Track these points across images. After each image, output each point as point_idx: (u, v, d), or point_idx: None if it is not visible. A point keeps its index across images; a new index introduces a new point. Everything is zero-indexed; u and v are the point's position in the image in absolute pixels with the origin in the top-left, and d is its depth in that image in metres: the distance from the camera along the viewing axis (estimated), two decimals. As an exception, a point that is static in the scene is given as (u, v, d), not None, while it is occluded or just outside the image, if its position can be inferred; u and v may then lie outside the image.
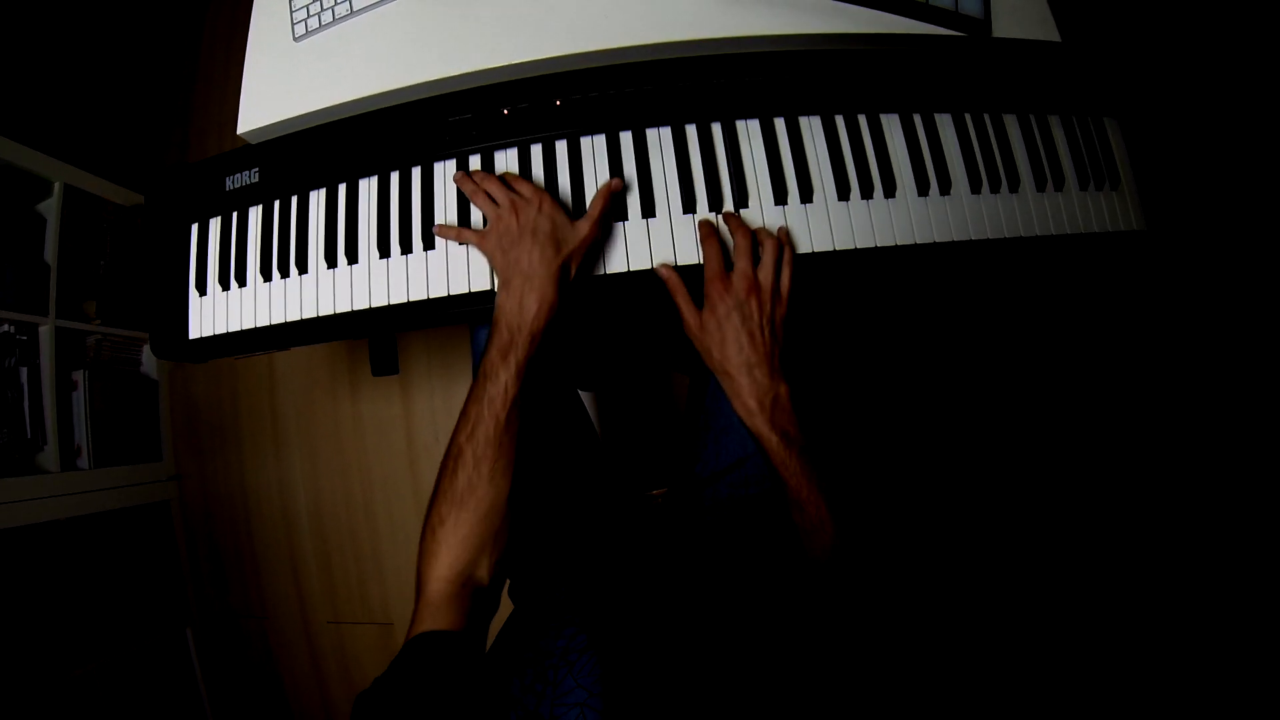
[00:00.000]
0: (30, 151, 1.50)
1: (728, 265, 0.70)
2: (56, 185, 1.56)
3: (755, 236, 0.72)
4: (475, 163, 0.78)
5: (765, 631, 0.62)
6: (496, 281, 0.70)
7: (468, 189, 0.73)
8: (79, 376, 1.61)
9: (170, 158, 1.93)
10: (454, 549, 0.59)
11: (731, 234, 0.72)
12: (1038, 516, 1.41)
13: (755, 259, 0.70)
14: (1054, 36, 0.85)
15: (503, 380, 0.62)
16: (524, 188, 0.71)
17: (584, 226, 0.70)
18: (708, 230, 0.72)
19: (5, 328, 1.44)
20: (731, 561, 0.71)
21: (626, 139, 0.77)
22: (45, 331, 1.52)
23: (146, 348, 1.84)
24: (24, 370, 1.48)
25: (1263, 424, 1.33)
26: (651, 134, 0.77)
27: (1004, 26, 0.84)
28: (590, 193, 0.76)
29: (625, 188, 0.75)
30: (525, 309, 0.65)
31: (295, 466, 1.77)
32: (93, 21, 1.81)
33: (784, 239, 0.73)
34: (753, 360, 0.66)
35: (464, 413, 0.63)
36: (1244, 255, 1.35)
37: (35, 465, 1.50)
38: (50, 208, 1.56)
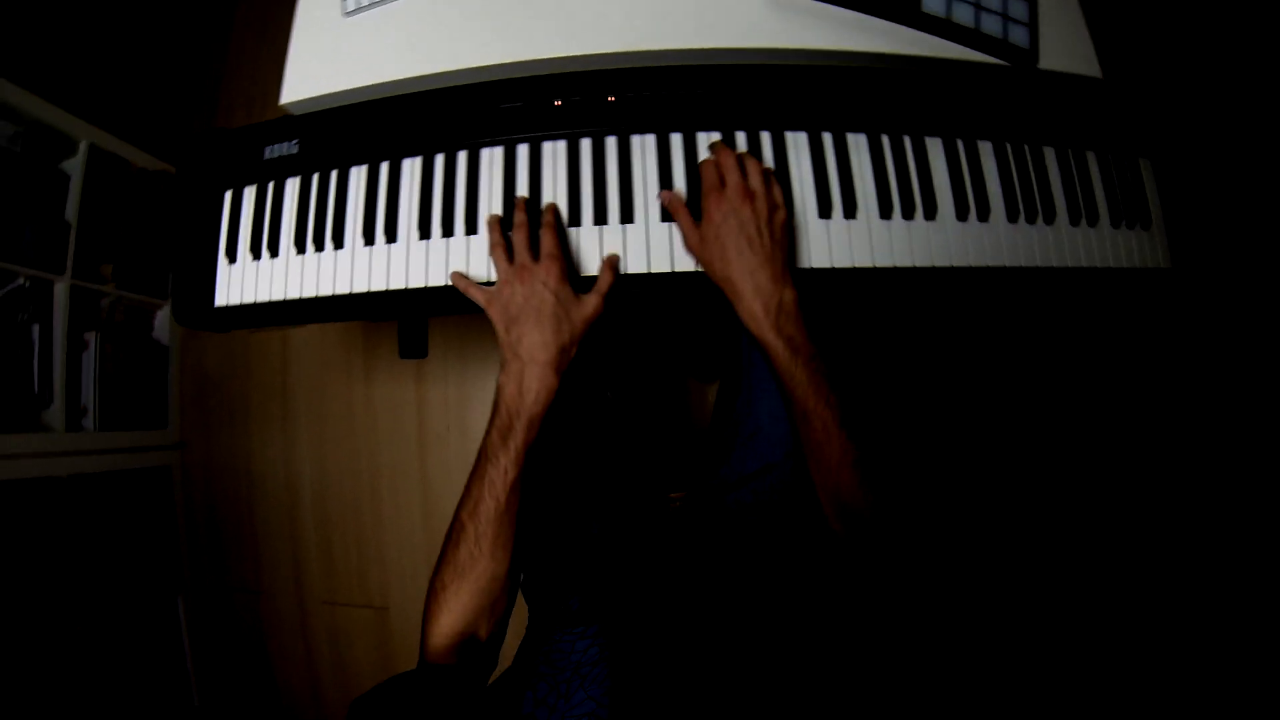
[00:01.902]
0: (58, 110, 1.50)
1: None
2: (82, 145, 1.56)
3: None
4: (523, 152, 0.78)
5: (779, 639, 0.62)
6: (499, 349, 0.70)
7: (491, 238, 0.73)
8: (90, 337, 1.60)
9: (196, 126, 1.92)
10: (454, 613, 0.62)
11: (718, 155, 0.72)
12: (1051, 527, 1.44)
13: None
14: (1096, 72, 0.86)
15: (503, 464, 0.64)
16: (545, 242, 0.71)
17: (590, 303, 0.70)
18: (702, 159, 0.74)
19: (20, 282, 1.43)
20: (751, 566, 0.71)
21: (676, 140, 0.77)
22: (60, 289, 1.51)
23: (160, 313, 1.84)
24: (36, 327, 1.47)
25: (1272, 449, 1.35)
26: (702, 138, 0.78)
27: (1049, 59, 0.84)
28: (641, 194, 0.76)
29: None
30: (524, 394, 0.66)
31: (302, 444, 1.76)
32: (128, -16, 1.81)
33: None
34: (754, 264, 0.66)
35: (467, 490, 0.66)
36: (1267, 298, 1.37)
37: (40, 422, 1.49)
38: (74, 166, 1.55)
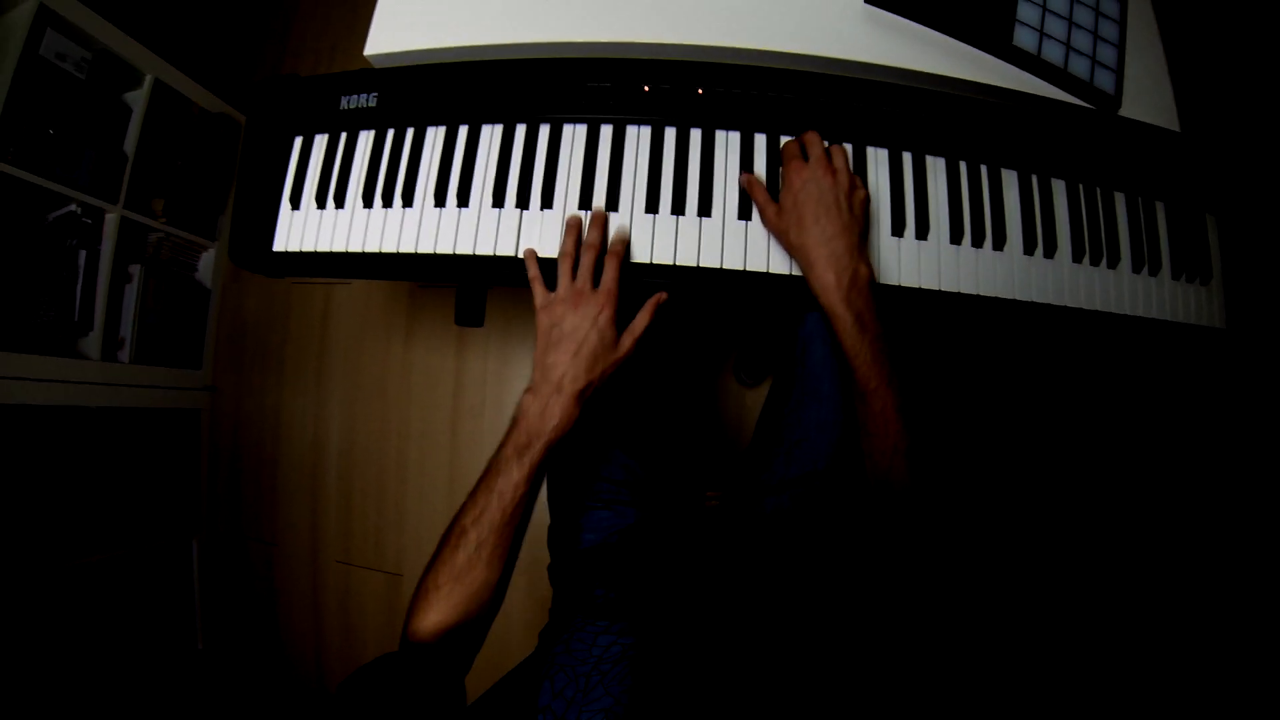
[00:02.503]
0: (129, 39, 1.51)
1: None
2: (148, 78, 1.57)
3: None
4: (606, 133, 0.79)
5: (807, 648, 0.62)
6: (534, 361, 0.72)
7: (565, 245, 0.73)
8: (135, 270, 1.62)
9: (261, 72, 1.92)
10: (443, 613, 0.62)
11: (802, 136, 0.73)
12: (1079, 547, 1.44)
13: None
14: (1175, 125, 0.87)
15: (514, 478, 0.65)
16: (608, 273, 0.71)
17: (625, 344, 0.71)
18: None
19: (73, 207, 1.45)
20: (784, 573, 0.71)
21: (760, 141, 0.78)
22: (111, 220, 1.53)
23: (205, 254, 1.85)
24: (83, 254, 1.49)
25: None
26: (785, 141, 0.78)
27: (1130, 107, 0.85)
28: (720, 188, 0.77)
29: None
30: (547, 419, 0.67)
31: (333, 402, 1.76)
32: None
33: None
34: (830, 232, 0.67)
35: (473, 496, 0.66)
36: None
37: (77, 349, 1.51)
38: (138, 99, 1.57)
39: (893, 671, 0.62)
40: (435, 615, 0.62)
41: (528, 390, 0.69)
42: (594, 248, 0.72)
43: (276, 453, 1.79)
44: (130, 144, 1.55)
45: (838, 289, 0.65)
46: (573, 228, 0.74)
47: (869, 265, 0.67)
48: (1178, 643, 1.38)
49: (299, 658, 1.73)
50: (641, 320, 0.72)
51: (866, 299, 0.66)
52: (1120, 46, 0.85)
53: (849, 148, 0.78)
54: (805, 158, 0.71)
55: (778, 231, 0.71)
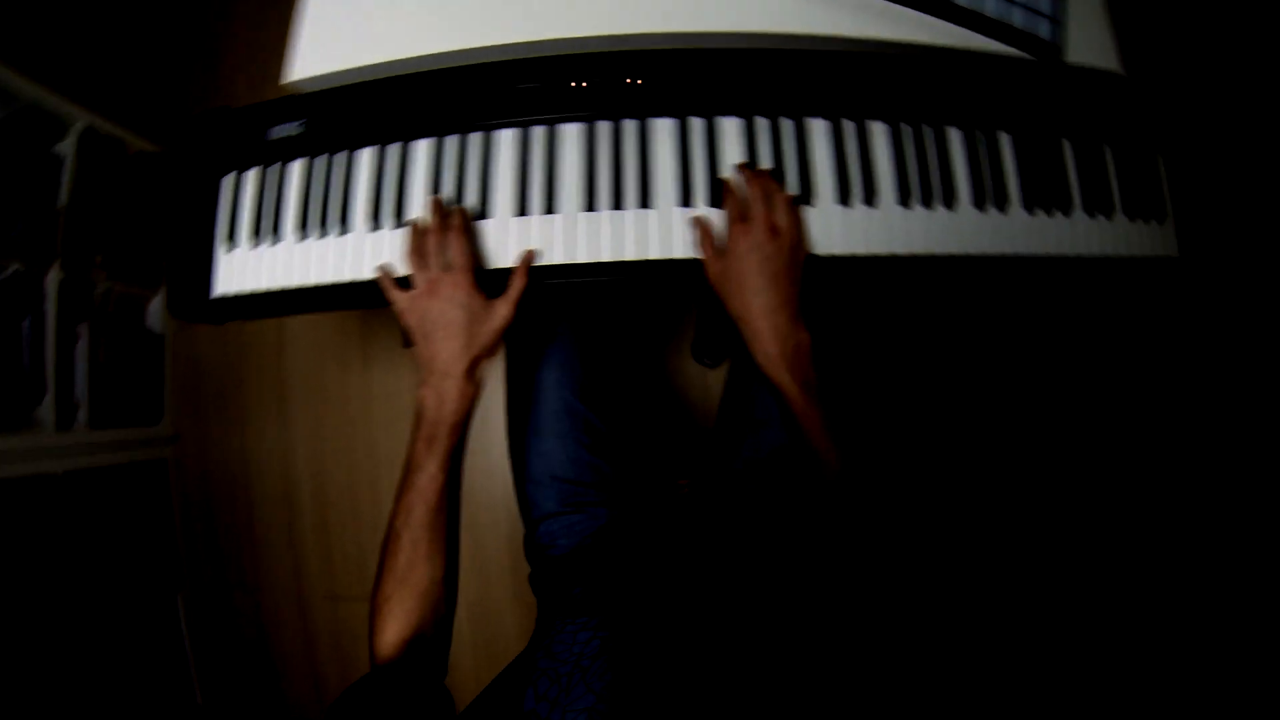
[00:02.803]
0: (49, 92, 1.45)
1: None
2: (75, 127, 1.52)
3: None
4: (539, 134, 0.77)
5: (781, 631, 0.62)
6: (417, 357, 0.72)
7: (407, 243, 0.73)
8: (82, 329, 1.56)
9: (193, 107, 1.87)
10: (400, 621, 0.63)
11: (747, 183, 0.72)
12: (1043, 514, 1.46)
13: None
14: (1117, 68, 0.86)
15: (430, 470, 0.66)
16: (452, 251, 0.71)
17: (500, 312, 0.71)
18: (729, 184, 0.73)
19: (12, 270, 1.40)
20: (759, 560, 0.71)
21: (697, 125, 0.76)
22: (51, 280, 1.47)
23: (153, 303, 1.80)
24: (27, 320, 1.43)
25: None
26: (723, 123, 0.77)
27: (1073, 53, 0.84)
28: (658, 179, 0.75)
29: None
30: (444, 404, 0.68)
31: (299, 435, 1.73)
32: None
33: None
34: (774, 304, 0.67)
35: (398, 500, 0.67)
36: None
37: (32, 418, 1.45)
38: (67, 150, 1.52)
39: (865, 652, 0.62)
40: (393, 626, 0.63)
41: (420, 385, 0.70)
42: (436, 232, 0.72)
43: (249, 495, 1.76)
44: (63, 198, 1.50)
45: (782, 359, 0.66)
46: (413, 225, 0.74)
47: (807, 331, 0.68)
48: (1155, 622, 1.39)
49: (299, 698, 1.70)
50: (516, 283, 0.72)
51: (808, 366, 0.67)
52: (1058, -6, 0.84)
53: (790, 137, 0.77)
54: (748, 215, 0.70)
55: (720, 291, 0.70)
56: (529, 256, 0.73)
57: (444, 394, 0.68)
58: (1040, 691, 1.38)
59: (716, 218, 0.74)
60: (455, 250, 0.70)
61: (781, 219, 0.69)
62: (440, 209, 0.73)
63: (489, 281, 0.72)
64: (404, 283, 0.73)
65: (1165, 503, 1.43)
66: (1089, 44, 0.85)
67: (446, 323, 0.69)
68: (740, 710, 0.52)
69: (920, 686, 1.25)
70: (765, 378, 0.68)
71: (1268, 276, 1.38)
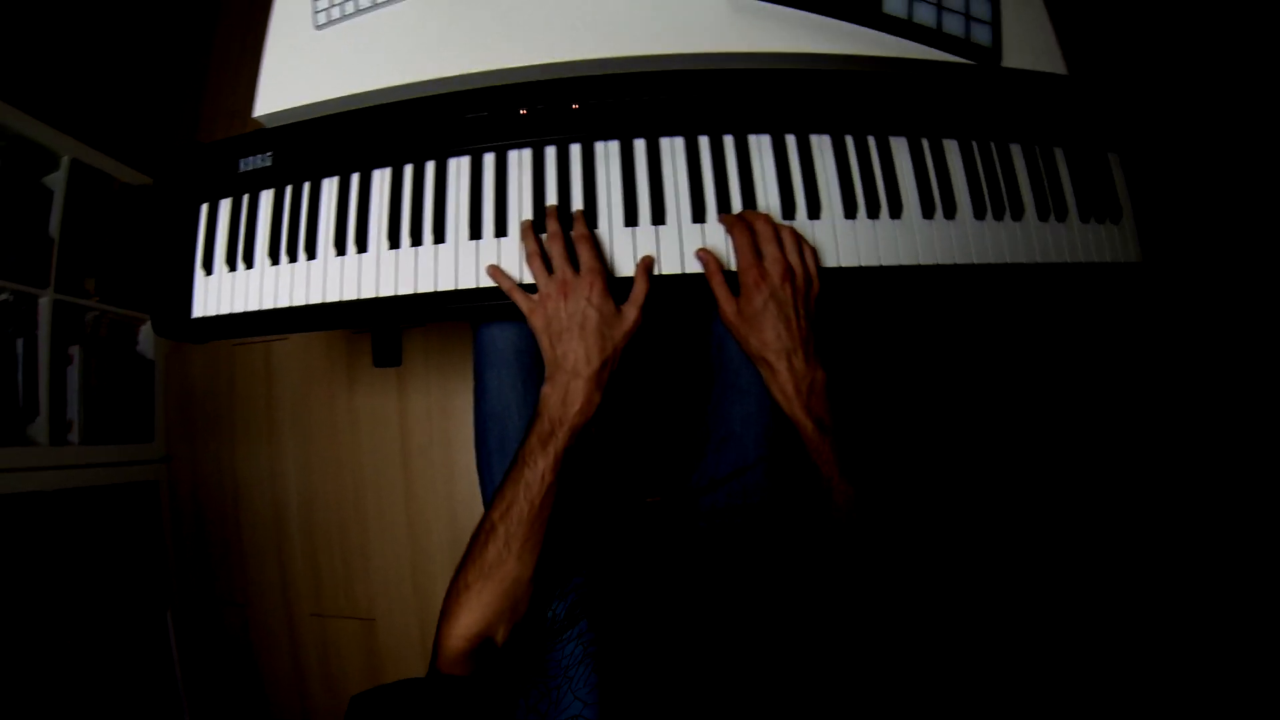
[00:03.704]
0: (40, 124, 1.50)
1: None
2: (64, 160, 1.56)
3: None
4: (489, 161, 0.79)
5: (757, 637, 0.63)
6: (544, 359, 0.71)
7: (528, 247, 0.73)
8: (74, 351, 1.60)
9: (179, 139, 1.92)
10: (475, 613, 0.61)
11: (752, 222, 0.72)
12: (1034, 518, 1.45)
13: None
14: (1060, 69, 0.87)
15: (540, 468, 0.65)
16: (584, 255, 0.71)
17: (629, 316, 0.70)
18: (735, 219, 0.73)
19: (4, 296, 1.44)
20: (725, 568, 0.72)
21: (640, 146, 0.78)
22: (44, 304, 1.51)
23: (144, 328, 1.84)
24: (20, 341, 1.47)
25: (1252, 434, 1.37)
26: (665, 143, 0.78)
27: (1013, 57, 0.85)
28: (603, 199, 0.77)
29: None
30: (569, 405, 0.67)
31: (287, 456, 1.76)
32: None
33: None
34: (790, 346, 0.68)
35: (499, 492, 0.66)
36: (1236, 286, 1.38)
37: (25, 436, 1.49)
38: (57, 181, 1.56)
39: (833, 651, 0.63)
40: (468, 617, 0.61)
41: (545, 383, 0.69)
42: (558, 237, 0.72)
43: (238, 514, 1.79)
44: (54, 227, 1.54)
45: (799, 399, 0.67)
46: (528, 231, 0.74)
47: (823, 369, 0.69)
48: (1145, 620, 1.39)
49: (286, 716, 1.72)
50: (640, 287, 0.72)
51: (824, 403, 0.68)
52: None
53: (732, 154, 0.79)
54: (760, 254, 0.71)
55: (738, 334, 0.71)
56: (648, 262, 0.73)
57: (571, 394, 0.67)
58: (1043, 697, 1.38)
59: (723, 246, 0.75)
60: (586, 255, 0.71)
61: (794, 258, 0.70)
62: (556, 216, 0.74)
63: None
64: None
65: (1155, 510, 1.43)
66: (1030, 46, 0.86)
67: (579, 323, 0.68)
68: (724, 709, 0.54)
69: (911, 695, 1.24)
70: (783, 414, 0.69)
71: (1235, 272, 1.38)
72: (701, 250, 0.74)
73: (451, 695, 0.59)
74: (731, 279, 0.72)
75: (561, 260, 0.71)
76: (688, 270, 0.75)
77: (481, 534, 0.64)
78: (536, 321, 0.70)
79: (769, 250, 0.70)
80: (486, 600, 0.61)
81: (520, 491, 0.64)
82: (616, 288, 0.72)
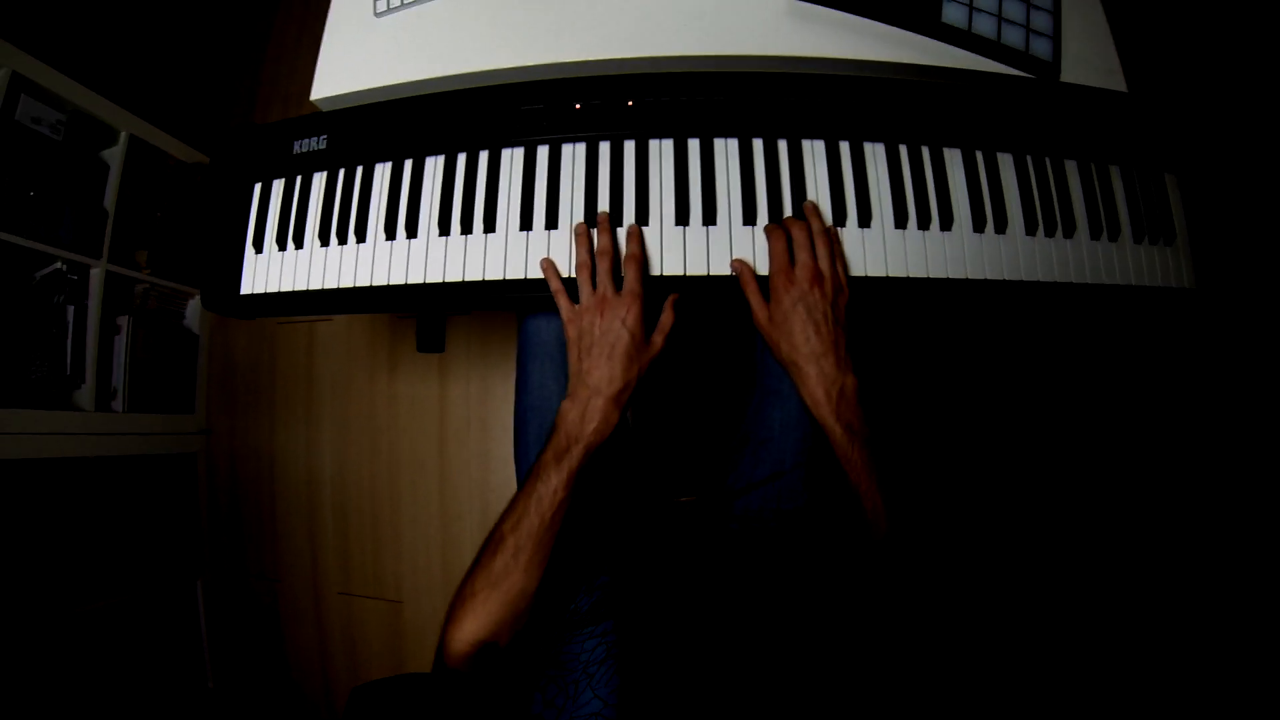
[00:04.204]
0: (101, 99, 1.54)
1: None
2: (122, 134, 1.60)
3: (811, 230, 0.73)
4: (543, 154, 0.80)
5: (785, 644, 0.62)
6: (569, 373, 0.72)
7: (578, 256, 0.74)
8: (123, 322, 1.65)
9: (234, 120, 1.97)
10: (479, 620, 0.62)
11: (790, 229, 0.73)
12: (1069, 540, 1.43)
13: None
14: (1121, 87, 0.85)
15: (553, 483, 0.65)
16: (629, 277, 0.72)
17: (657, 343, 0.72)
18: (773, 226, 0.74)
19: (58, 265, 1.48)
20: (759, 572, 0.71)
21: (694, 146, 0.78)
22: (96, 274, 1.56)
23: (192, 302, 1.88)
24: (71, 309, 1.52)
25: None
26: (719, 144, 0.78)
27: (1072, 72, 0.84)
28: (655, 197, 0.77)
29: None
30: (586, 423, 0.67)
31: (325, 435, 1.79)
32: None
33: (834, 234, 0.75)
34: (819, 350, 0.68)
35: (512, 504, 0.66)
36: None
37: (71, 402, 1.54)
38: (114, 156, 1.60)
39: (859, 658, 0.62)
40: (472, 623, 0.62)
41: (565, 398, 0.70)
42: (608, 254, 0.73)
43: (273, 489, 1.82)
44: (110, 200, 1.58)
45: (828, 403, 0.67)
46: (582, 237, 0.75)
47: (854, 375, 0.69)
48: (1167, 633, 1.36)
49: (308, 691, 1.75)
50: (667, 317, 0.73)
51: (855, 408, 0.68)
52: (1055, 12, 0.84)
53: (785, 158, 0.78)
54: (793, 259, 0.71)
55: (769, 339, 0.72)
56: (675, 297, 0.74)
57: (590, 411, 0.67)
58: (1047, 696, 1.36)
59: (750, 246, 0.76)
60: (631, 277, 0.71)
61: (825, 265, 0.71)
62: (610, 228, 0.75)
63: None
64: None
65: (1197, 536, 1.40)
66: (1090, 62, 0.85)
67: (611, 342, 0.69)
68: (745, 711, 0.53)
69: (928, 693, 1.23)
70: (813, 420, 0.69)
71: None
72: (736, 260, 0.74)
73: (456, 692, 0.60)
74: (766, 286, 0.73)
75: (606, 277, 0.72)
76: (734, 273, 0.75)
77: (491, 543, 0.65)
78: (570, 332, 0.72)
79: (801, 256, 0.71)
80: (491, 609, 0.62)
81: (532, 505, 0.65)
82: (652, 289, 0.73)
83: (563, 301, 0.73)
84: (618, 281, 0.72)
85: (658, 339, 0.72)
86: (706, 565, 0.74)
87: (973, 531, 1.43)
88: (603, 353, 0.69)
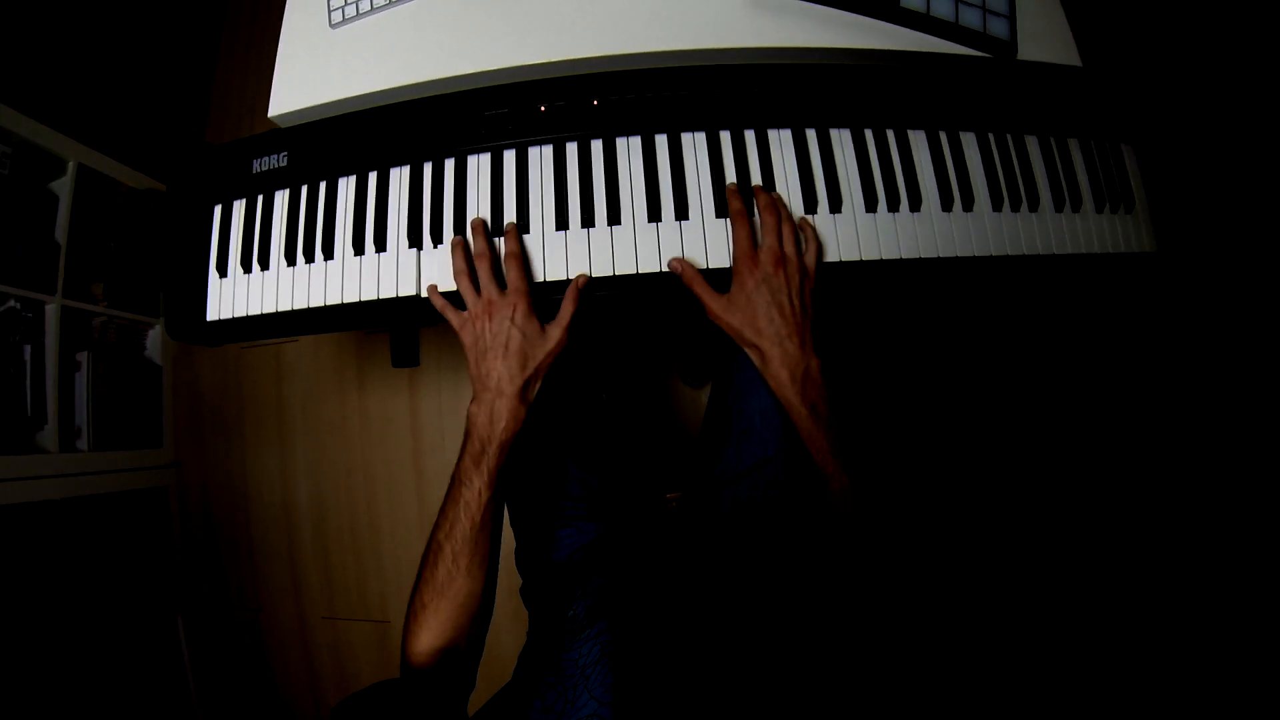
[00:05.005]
0: (46, 129, 1.50)
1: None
2: (71, 164, 1.56)
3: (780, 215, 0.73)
4: (510, 158, 0.79)
5: (778, 635, 0.63)
6: (470, 375, 0.73)
7: (456, 264, 0.74)
8: (83, 357, 1.60)
9: (186, 143, 1.92)
10: (434, 630, 0.64)
11: (760, 212, 0.73)
12: (1040, 512, 1.45)
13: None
14: (1076, 61, 0.87)
15: (476, 486, 0.67)
16: (511, 275, 0.72)
17: (553, 336, 0.72)
18: (738, 208, 0.73)
19: (11, 304, 1.43)
20: (749, 563, 0.72)
21: (661, 142, 0.78)
22: (51, 310, 1.51)
23: (152, 332, 1.83)
24: (28, 348, 1.47)
25: (1260, 430, 1.37)
26: (686, 138, 0.78)
27: (1029, 49, 0.85)
28: (626, 195, 0.77)
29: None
30: (495, 422, 0.69)
31: (298, 458, 1.76)
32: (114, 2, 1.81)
33: (806, 222, 0.75)
34: (783, 332, 0.68)
35: (442, 513, 0.67)
36: (1249, 276, 1.38)
37: (34, 444, 1.49)
38: (63, 186, 1.56)
39: (856, 652, 0.63)
40: (427, 635, 0.63)
41: (472, 402, 0.71)
42: (485, 256, 0.73)
43: (249, 517, 1.79)
44: (61, 232, 1.54)
45: (793, 384, 0.68)
46: (458, 246, 0.75)
47: (818, 357, 0.69)
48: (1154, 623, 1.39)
49: (300, 717, 1.72)
50: (567, 308, 0.73)
51: (820, 390, 0.68)
52: (1010, -7, 0.86)
53: (753, 149, 0.78)
54: (757, 242, 0.72)
55: (727, 327, 0.71)
56: (580, 281, 0.74)
57: (496, 412, 0.69)
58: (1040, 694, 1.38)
59: (724, 239, 0.76)
60: (513, 275, 0.72)
61: (790, 249, 0.71)
62: (485, 232, 0.75)
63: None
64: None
65: (1161, 502, 1.42)
66: (1046, 39, 0.86)
67: (503, 343, 0.70)
68: (740, 710, 0.53)
69: (921, 689, 1.25)
70: (777, 401, 0.70)
71: (1248, 262, 1.38)
72: (674, 260, 0.74)
73: (428, 691, 0.61)
74: (715, 278, 0.73)
75: (487, 279, 0.72)
76: (712, 266, 0.75)
77: (430, 555, 0.66)
78: (465, 338, 0.72)
79: (767, 240, 0.71)
80: (443, 618, 0.64)
81: (461, 511, 0.66)
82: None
83: (450, 315, 0.74)
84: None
85: (555, 331, 0.72)
86: (694, 565, 0.74)
87: (942, 510, 1.45)
88: (497, 354, 0.70)
